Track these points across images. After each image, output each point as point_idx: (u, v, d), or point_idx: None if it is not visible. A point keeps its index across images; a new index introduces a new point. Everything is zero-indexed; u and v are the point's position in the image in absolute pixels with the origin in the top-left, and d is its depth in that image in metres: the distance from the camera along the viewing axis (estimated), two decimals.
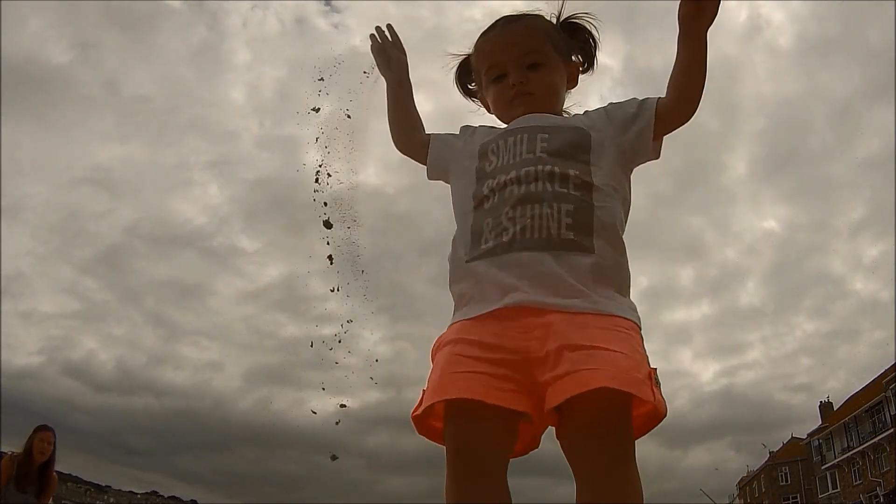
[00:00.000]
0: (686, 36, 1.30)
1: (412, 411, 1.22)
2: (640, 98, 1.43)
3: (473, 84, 1.64)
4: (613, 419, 1.11)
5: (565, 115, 1.52)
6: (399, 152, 1.64)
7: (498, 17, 1.53)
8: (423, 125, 1.62)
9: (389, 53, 1.64)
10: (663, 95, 1.39)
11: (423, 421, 1.22)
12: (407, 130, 1.61)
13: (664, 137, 1.41)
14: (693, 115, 1.37)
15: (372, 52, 1.66)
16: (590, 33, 1.56)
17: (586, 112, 1.49)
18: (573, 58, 1.55)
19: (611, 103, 1.47)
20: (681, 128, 1.41)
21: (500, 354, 1.18)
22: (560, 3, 1.55)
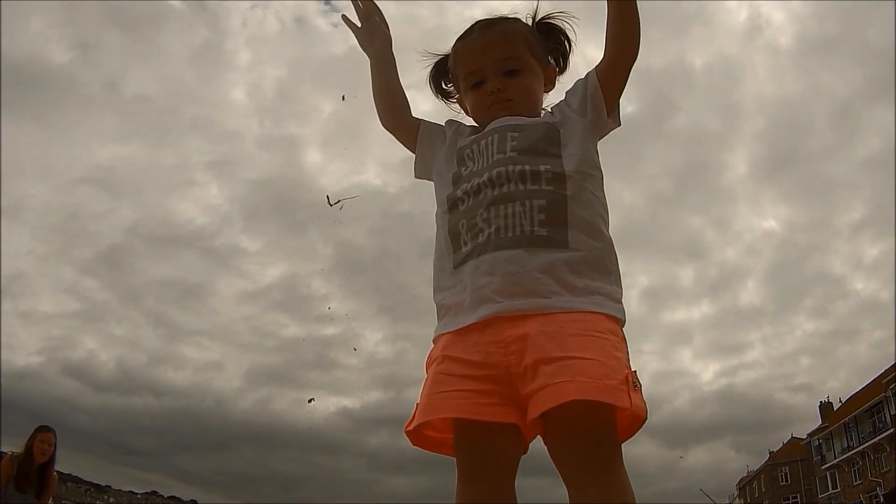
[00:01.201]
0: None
1: (405, 426, 1.25)
2: (582, 77, 1.46)
3: (450, 84, 1.63)
4: (590, 427, 1.11)
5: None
6: (385, 128, 1.62)
7: (474, 22, 1.53)
8: (408, 103, 1.61)
9: (374, 29, 1.61)
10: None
11: (417, 434, 1.25)
12: (394, 107, 1.60)
13: (621, 98, 1.44)
14: (635, 58, 1.40)
15: (351, 25, 1.59)
16: (564, 34, 1.56)
17: (551, 107, 1.50)
18: (550, 60, 1.55)
19: (566, 93, 1.49)
20: (626, 77, 1.42)
21: (484, 371, 1.20)
22: (536, 4, 1.55)
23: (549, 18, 1.56)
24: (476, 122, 1.54)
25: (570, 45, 1.57)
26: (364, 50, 1.65)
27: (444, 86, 1.65)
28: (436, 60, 1.64)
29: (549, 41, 1.55)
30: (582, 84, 1.46)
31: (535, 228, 1.26)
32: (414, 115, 1.60)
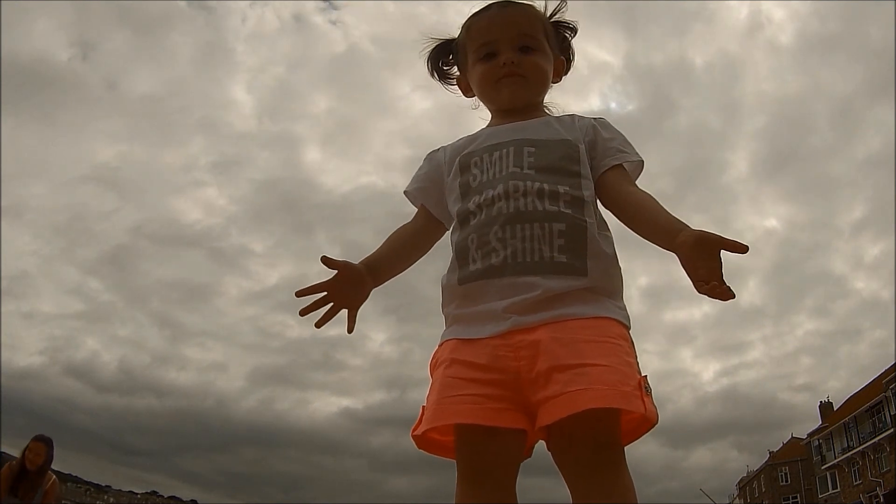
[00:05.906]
0: (665, 245, 1.19)
1: (412, 430, 1.22)
2: (616, 151, 1.37)
3: (450, 66, 1.58)
4: (597, 432, 1.11)
5: (546, 111, 1.49)
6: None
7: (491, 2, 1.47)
8: (419, 239, 1.48)
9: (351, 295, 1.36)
10: (629, 167, 1.37)
11: (423, 437, 1.22)
12: (427, 247, 1.50)
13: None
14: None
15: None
16: (573, 32, 1.53)
17: (572, 116, 1.45)
18: (559, 54, 1.51)
19: (601, 127, 1.41)
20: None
21: (493, 375, 1.18)
22: (544, 2, 1.50)
23: (558, 19, 1.51)
24: (480, 95, 1.48)
25: (572, 54, 1.54)
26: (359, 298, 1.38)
27: (442, 66, 1.58)
28: (438, 43, 1.57)
29: (559, 39, 1.51)
30: (608, 161, 1.36)
31: (555, 255, 1.22)
32: (415, 207, 1.50)
